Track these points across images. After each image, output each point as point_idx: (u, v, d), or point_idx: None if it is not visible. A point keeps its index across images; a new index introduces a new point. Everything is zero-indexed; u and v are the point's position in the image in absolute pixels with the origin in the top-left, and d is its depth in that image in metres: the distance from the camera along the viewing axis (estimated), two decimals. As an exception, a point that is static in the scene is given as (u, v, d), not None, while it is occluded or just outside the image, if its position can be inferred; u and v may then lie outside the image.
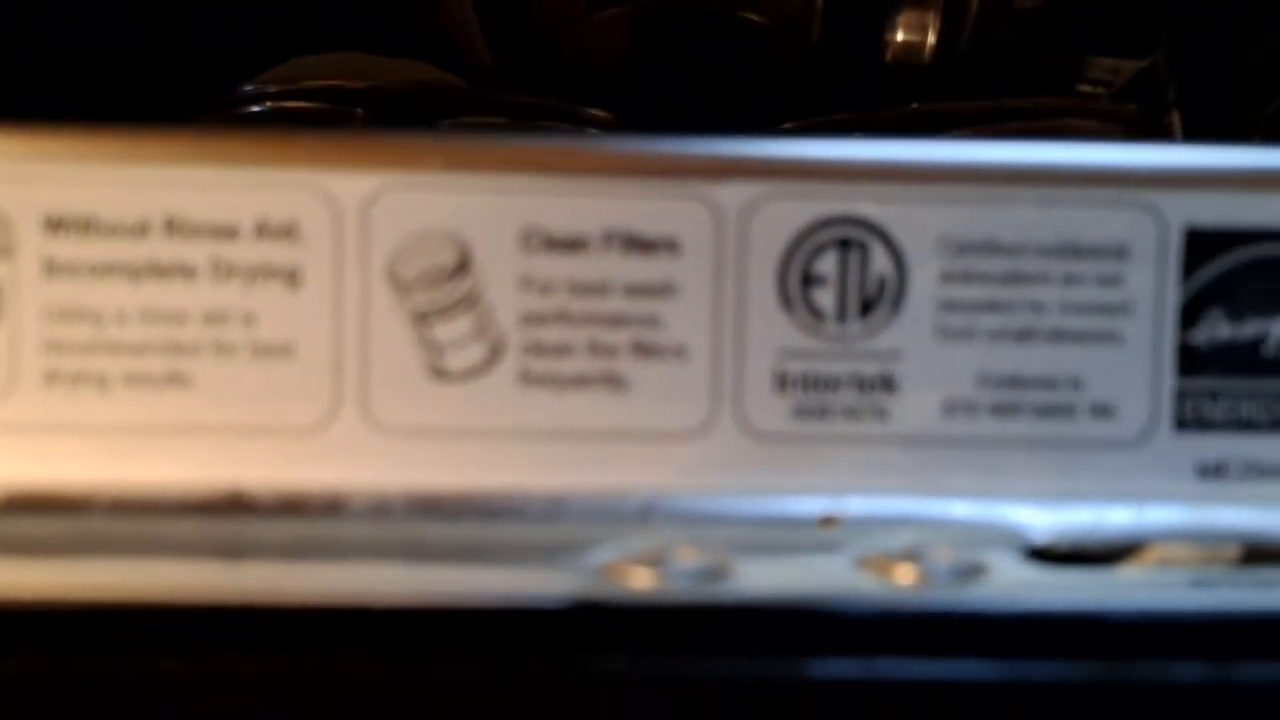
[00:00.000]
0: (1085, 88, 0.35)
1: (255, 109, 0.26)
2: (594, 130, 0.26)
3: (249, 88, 0.26)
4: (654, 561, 0.16)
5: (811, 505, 0.18)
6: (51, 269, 0.17)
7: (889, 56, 0.33)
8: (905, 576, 0.15)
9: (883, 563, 0.16)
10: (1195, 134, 0.33)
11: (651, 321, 0.18)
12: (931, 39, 0.33)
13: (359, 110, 0.26)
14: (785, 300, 0.18)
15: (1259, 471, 0.18)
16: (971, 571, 0.16)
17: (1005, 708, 0.14)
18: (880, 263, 0.18)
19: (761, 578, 0.15)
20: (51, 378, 0.17)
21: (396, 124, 0.25)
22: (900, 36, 0.33)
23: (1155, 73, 0.35)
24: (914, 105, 0.28)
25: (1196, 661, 0.15)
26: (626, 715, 0.14)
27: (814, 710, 0.14)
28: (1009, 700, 0.14)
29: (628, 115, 0.27)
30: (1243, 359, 0.18)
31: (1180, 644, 0.15)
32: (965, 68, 0.33)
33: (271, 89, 0.26)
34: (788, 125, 0.28)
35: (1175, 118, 0.34)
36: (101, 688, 0.15)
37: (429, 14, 0.34)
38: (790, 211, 0.18)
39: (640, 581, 0.15)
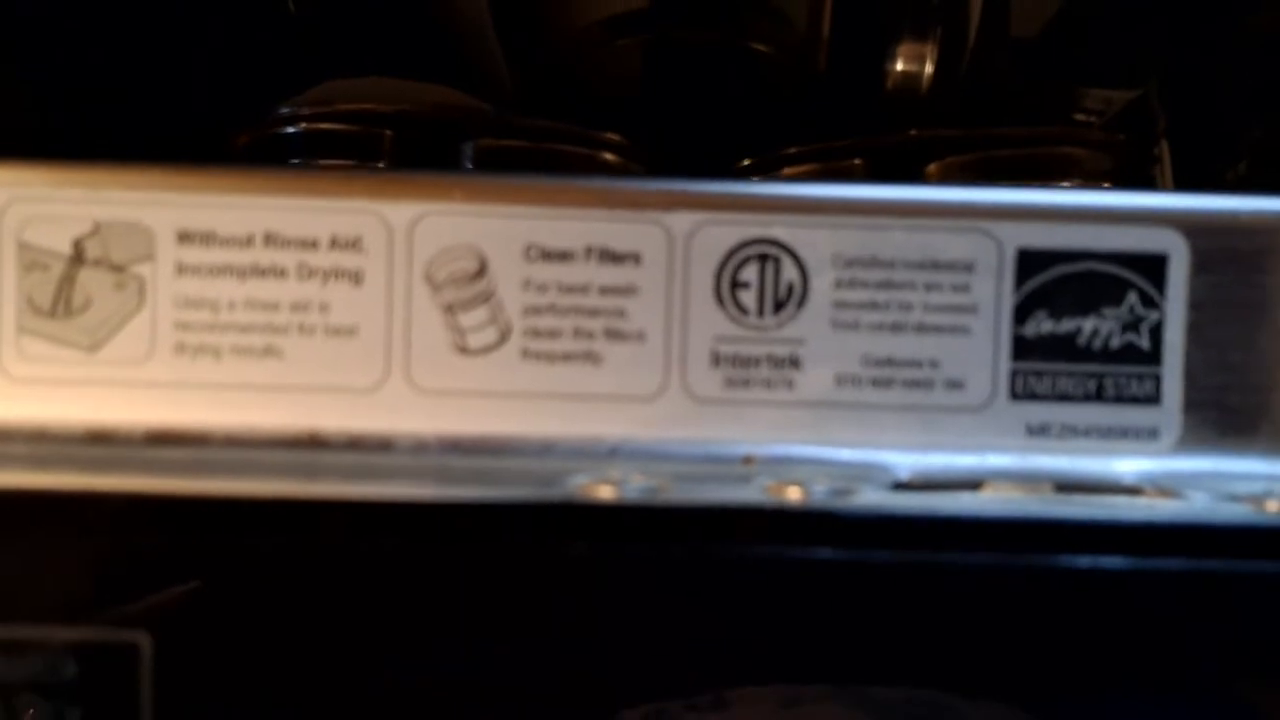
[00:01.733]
0: (1079, 117, 0.36)
1: (290, 130, 0.27)
2: (608, 151, 0.28)
3: (285, 110, 0.28)
4: (615, 483, 0.21)
5: (735, 450, 0.22)
6: (181, 269, 0.22)
7: (889, 85, 0.34)
8: (793, 495, 0.21)
9: (779, 487, 0.21)
10: (1184, 161, 0.35)
11: (620, 313, 0.22)
12: (930, 69, 0.34)
13: (387, 132, 0.27)
14: (719, 299, 0.22)
15: (1073, 431, 0.22)
16: (844, 493, 0.21)
17: (855, 581, 0.20)
18: (789, 272, 0.22)
19: (690, 494, 0.21)
20: (180, 349, 0.22)
21: (424, 145, 0.27)
22: (900, 66, 0.34)
23: (1146, 103, 0.36)
24: (912, 132, 0.29)
25: (993, 551, 0.20)
26: (590, 579, 0.20)
27: (717, 579, 0.20)
28: (858, 575, 0.20)
29: (640, 138, 0.28)
30: (1061, 348, 0.22)
31: (984, 539, 0.20)
32: (963, 96, 0.34)
33: (305, 111, 0.27)
34: (790, 150, 0.29)
35: (1164, 147, 0.35)
36: (209, 560, 0.20)
37: (456, 43, 0.35)
38: (723, 234, 0.22)
39: (604, 494, 0.20)
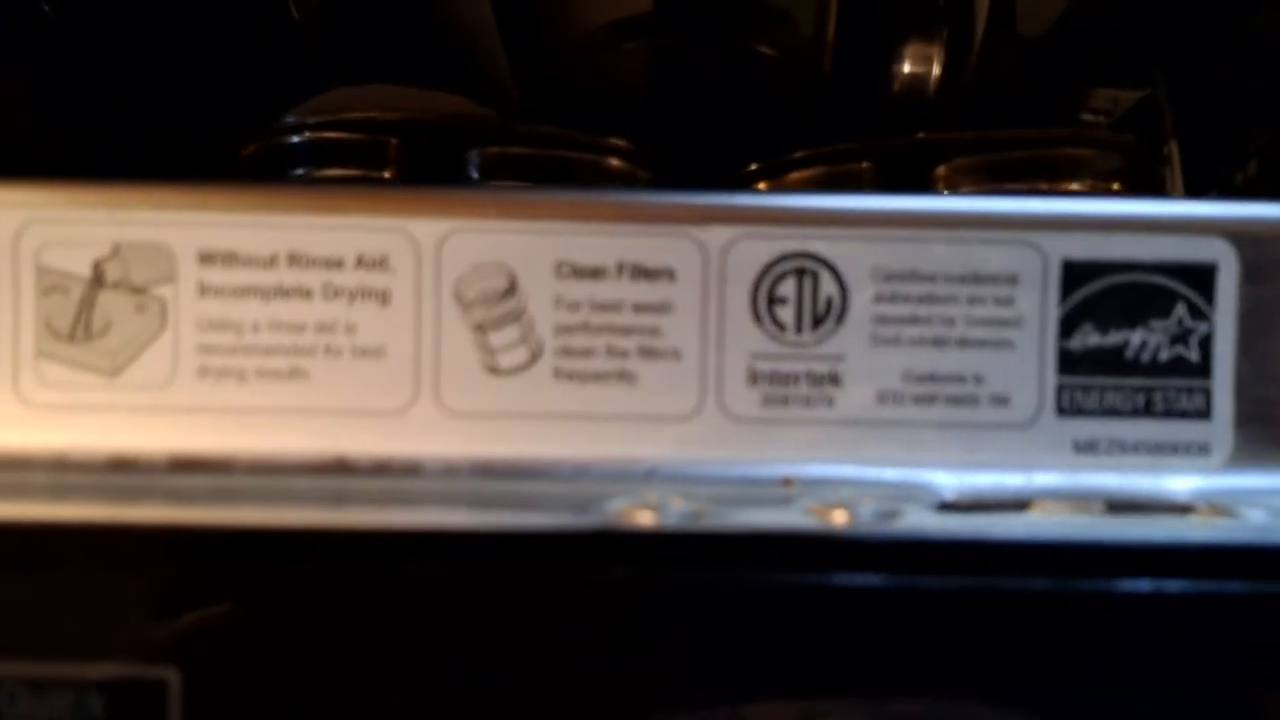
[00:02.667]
0: (1087, 117, 0.36)
1: (296, 139, 0.27)
2: (614, 157, 0.27)
3: (289, 119, 0.27)
4: (654, 507, 0.20)
5: (775, 470, 0.22)
6: (204, 291, 0.21)
7: (896, 87, 0.33)
8: (839, 518, 0.20)
9: (823, 510, 0.20)
10: (1192, 162, 0.34)
11: (654, 331, 0.22)
12: (936, 71, 0.33)
13: (393, 140, 0.27)
14: (756, 316, 0.22)
15: (1121, 447, 0.22)
16: (890, 515, 0.20)
17: (904, 609, 0.19)
18: (828, 287, 0.22)
19: (733, 519, 0.20)
20: (203, 372, 0.21)
21: (429, 154, 0.26)
22: (906, 68, 0.33)
23: (1154, 103, 0.35)
24: (919, 135, 0.28)
25: (1048, 577, 0.19)
26: (632, 608, 0.19)
27: (762, 607, 0.19)
28: (908, 602, 0.19)
29: (646, 143, 0.28)
30: (1108, 361, 0.22)
31: (1040, 563, 0.19)
32: (970, 98, 0.33)
33: (311, 120, 0.27)
34: (797, 154, 0.29)
35: (1173, 147, 0.34)
36: (238, 592, 0.19)
37: (459, 50, 0.34)
38: (759, 248, 0.22)
39: (643, 520, 0.20)
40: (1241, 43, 0.35)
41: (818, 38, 0.34)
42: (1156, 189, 0.34)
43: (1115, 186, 0.28)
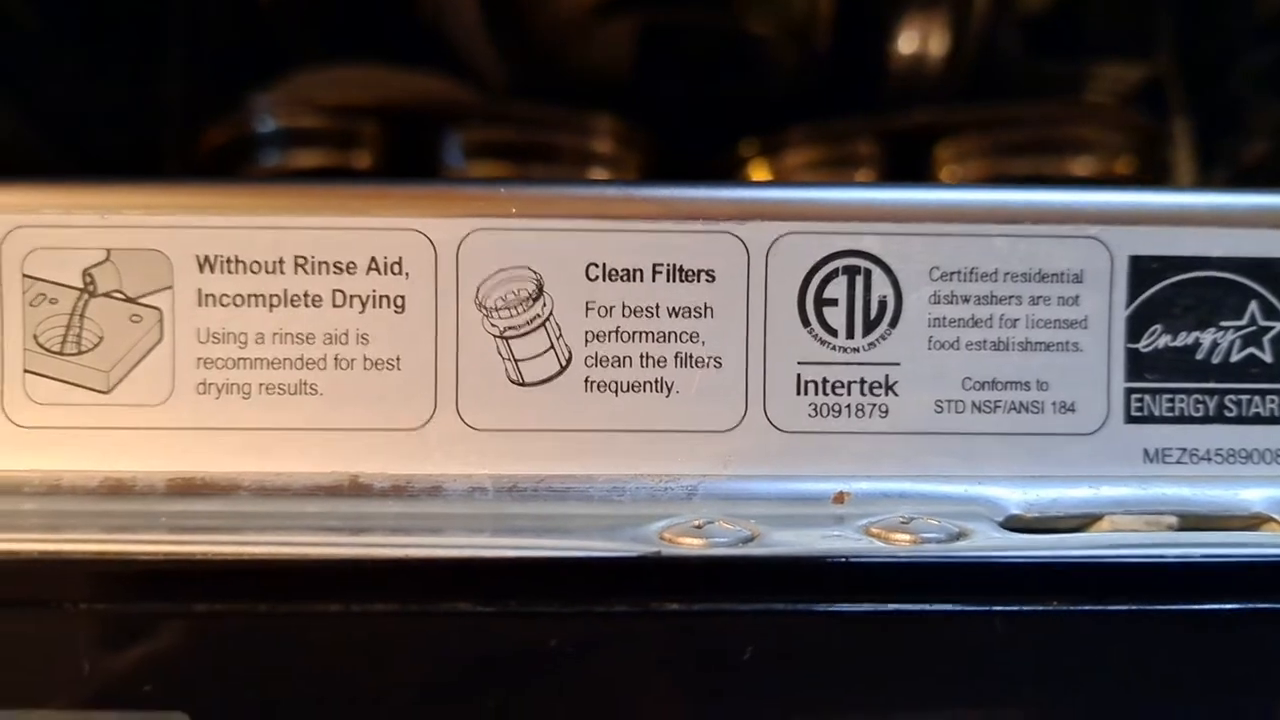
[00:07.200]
0: (1091, 94, 0.35)
1: (266, 127, 0.26)
2: (602, 139, 0.26)
3: (258, 103, 0.26)
4: (702, 531, 0.19)
5: (826, 487, 0.20)
6: (203, 299, 0.20)
7: (895, 65, 0.33)
8: (901, 540, 0.18)
9: (883, 531, 0.19)
10: (1199, 138, 0.34)
11: (693, 337, 0.20)
12: (936, 47, 0.32)
13: (368, 125, 0.26)
14: (803, 319, 0.20)
15: (1194, 456, 0.21)
16: (956, 536, 0.19)
17: (977, 637, 0.18)
18: (881, 287, 0.20)
19: (785, 542, 0.18)
20: (204, 387, 0.20)
21: (408, 138, 0.26)
22: (906, 45, 0.33)
23: (1160, 79, 0.35)
24: (920, 112, 0.28)
25: (1128, 600, 0.18)
26: (679, 643, 0.17)
27: (821, 639, 0.17)
28: (978, 630, 0.18)
29: (638, 122, 0.27)
30: (1180, 364, 0.21)
31: (1117, 587, 0.18)
32: (972, 75, 0.32)
33: (282, 106, 0.26)
34: (795, 133, 0.28)
35: (1179, 123, 0.34)
36: (250, 631, 0.18)
37: (441, 26, 0.33)
38: (806, 246, 0.20)
39: (690, 545, 0.18)
40: (1251, 14, 0.34)
41: (811, 14, 0.33)
42: (1164, 166, 0.33)
43: (1122, 163, 0.27)
